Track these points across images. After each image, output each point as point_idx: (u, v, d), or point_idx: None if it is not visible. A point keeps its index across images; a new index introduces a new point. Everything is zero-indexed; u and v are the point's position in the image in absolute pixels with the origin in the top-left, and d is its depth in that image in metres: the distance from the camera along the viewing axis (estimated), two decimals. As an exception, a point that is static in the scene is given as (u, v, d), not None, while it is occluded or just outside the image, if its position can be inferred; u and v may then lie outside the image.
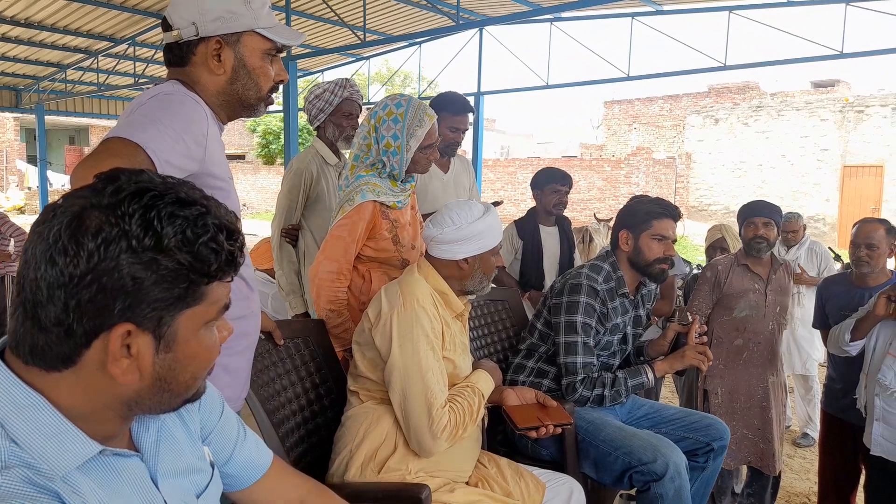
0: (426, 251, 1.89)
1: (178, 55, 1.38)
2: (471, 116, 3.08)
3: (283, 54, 1.55)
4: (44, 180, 16.26)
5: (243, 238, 0.78)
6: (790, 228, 4.41)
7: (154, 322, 0.71)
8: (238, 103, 1.43)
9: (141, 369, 0.73)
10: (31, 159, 22.66)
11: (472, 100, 11.89)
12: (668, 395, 4.65)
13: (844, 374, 2.72)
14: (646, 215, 2.23)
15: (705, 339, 2.22)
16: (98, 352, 0.71)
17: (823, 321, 2.98)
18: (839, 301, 2.87)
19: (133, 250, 0.68)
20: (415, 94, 14.53)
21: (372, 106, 2.17)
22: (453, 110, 2.99)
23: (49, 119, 17.93)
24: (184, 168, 1.25)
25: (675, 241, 2.27)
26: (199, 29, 1.34)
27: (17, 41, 11.68)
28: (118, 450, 0.78)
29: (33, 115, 16.68)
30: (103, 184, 0.72)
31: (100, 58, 12.74)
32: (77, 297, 0.68)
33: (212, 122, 1.36)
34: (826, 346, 2.85)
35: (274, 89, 1.46)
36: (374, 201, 2.06)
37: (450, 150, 3.09)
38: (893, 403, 2.24)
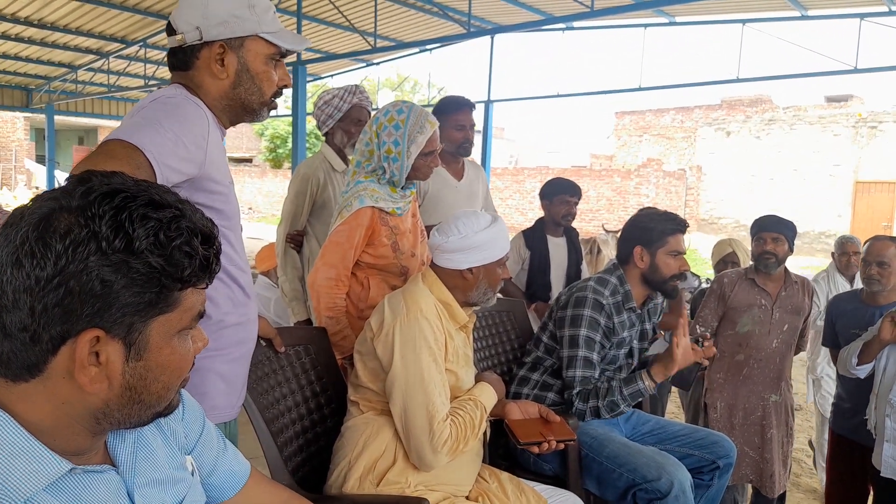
0: (432, 260, 1.87)
1: (182, 59, 1.38)
2: (473, 113, 3.05)
3: (288, 59, 1.54)
4: (52, 180, 16.41)
5: (219, 244, 0.76)
6: (854, 250, 3.69)
7: (124, 328, 0.69)
8: (241, 108, 1.42)
9: (110, 378, 0.70)
10: (40, 159, 22.87)
11: (481, 108, 11.95)
12: (675, 411, 4.60)
13: (854, 394, 2.67)
14: (661, 233, 2.20)
15: (713, 350, 2.16)
16: (65, 359, 0.68)
17: (833, 339, 2.93)
18: (849, 319, 2.83)
19: (102, 252, 0.66)
20: (424, 101, 14.58)
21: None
22: (452, 109, 2.97)
23: (58, 119, 18.10)
24: (183, 171, 1.24)
25: (685, 253, 2.24)
26: (203, 33, 1.33)
27: (30, 41, 11.80)
28: (91, 466, 0.75)
29: (43, 115, 16.84)
30: (74, 185, 0.70)
31: (111, 59, 12.85)
32: (43, 301, 0.65)
33: (213, 126, 1.35)
34: (836, 366, 2.80)
35: (277, 94, 1.46)
36: (373, 207, 2.04)
37: (463, 150, 3.05)
38: None
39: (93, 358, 0.68)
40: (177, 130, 1.22)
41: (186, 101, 1.31)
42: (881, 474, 2.27)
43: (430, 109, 2.30)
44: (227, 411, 1.46)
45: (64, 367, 0.68)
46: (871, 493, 2.59)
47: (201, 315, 0.77)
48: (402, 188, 2.13)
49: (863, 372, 2.43)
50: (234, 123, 1.46)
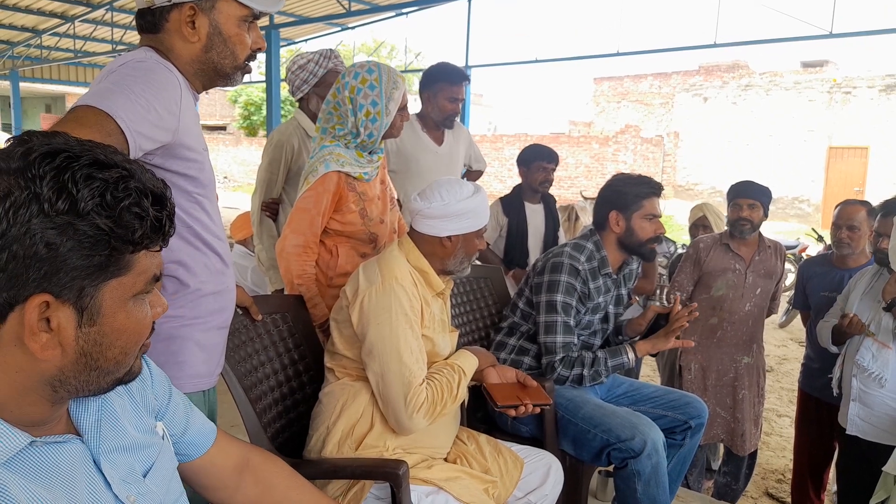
0: (410, 226, 1.86)
1: (151, 21, 1.33)
2: (467, 86, 3.06)
3: (260, 23, 1.49)
4: (20, 149, 15.96)
5: (172, 205, 0.74)
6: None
7: (74, 293, 0.68)
8: (213, 72, 1.37)
9: (63, 344, 0.69)
10: (6, 127, 22.23)
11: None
12: (650, 374, 4.70)
13: (822, 354, 2.74)
14: (636, 197, 2.21)
15: (695, 308, 2.17)
16: (14, 326, 0.67)
17: (804, 302, 3.00)
18: (820, 282, 2.89)
19: (45, 214, 0.64)
20: (401, 66, 14.36)
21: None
22: (450, 80, 2.96)
23: (24, 86, 17.58)
24: (156, 138, 1.21)
25: (661, 216, 2.27)
26: None
27: (-9, 4, 11.33)
28: (52, 437, 0.74)
29: (7, 82, 16.32)
30: (14, 147, 0.68)
31: (76, 23, 12.42)
32: None
33: (185, 91, 1.31)
34: (805, 327, 2.87)
35: (251, 58, 1.41)
36: (339, 172, 2.01)
37: (447, 122, 3.06)
38: (870, 384, 2.27)
39: (43, 324, 0.67)
40: (148, 96, 1.18)
41: (157, 66, 1.27)
42: (846, 432, 2.34)
43: (408, 75, 2.29)
44: (205, 380, 1.45)
45: (14, 334, 0.67)
46: (837, 449, 2.68)
47: (157, 278, 0.76)
48: (369, 153, 2.10)
49: (839, 349, 2.51)
50: (206, 88, 1.42)
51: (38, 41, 13.82)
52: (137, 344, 0.77)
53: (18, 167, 0.65)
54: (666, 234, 2.34)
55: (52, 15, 12.20)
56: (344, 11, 9.85)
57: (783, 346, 6.16)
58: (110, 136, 1.10)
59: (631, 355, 2.18)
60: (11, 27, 13.12)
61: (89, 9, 11.63)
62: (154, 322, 0.78)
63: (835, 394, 2.45)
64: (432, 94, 3.01)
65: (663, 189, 2.31)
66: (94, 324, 0.70)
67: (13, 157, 0.66)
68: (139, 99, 1.16)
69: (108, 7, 11.43)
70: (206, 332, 1.43)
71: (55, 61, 15.03)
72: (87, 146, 0.70)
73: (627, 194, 2.23)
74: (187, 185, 1.33)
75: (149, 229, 0.70)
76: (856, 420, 2.32)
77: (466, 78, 3.03)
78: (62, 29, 12.89)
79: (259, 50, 1.43)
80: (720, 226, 3.51)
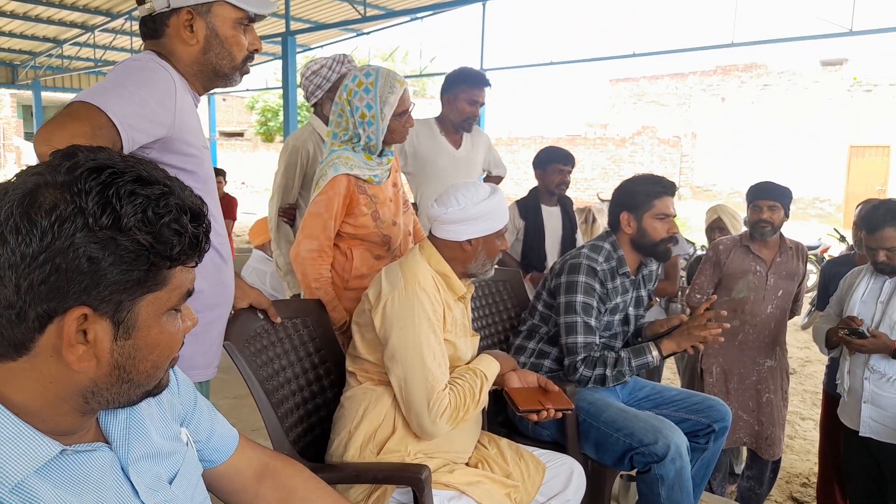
0: (430, 231, 1.86)
1: (152, 28, 1.41)
2: (488, 90, 3.07)
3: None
4: (43, 157, 16.25)
5: (209, 222, 0.76)
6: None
7: (112, 306, 0.68)
8: (213, 73, 1.45)
9: (98, 356, 0.70)
10: (29, 136, 22.62)
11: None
12: (671, 377, 4.65)
13: (846, 356, 2.70)
14: (646, 196, 2.19)
15: (719, 315, 2.12)
16: (52, 337, 0.67)
17: (827, 302, 2.96)
18: (843, 282, 2.84)
19: (89, 229, 0.65)
20: (415, 71, 14.39)
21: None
22: (471, 83, 2.99)
23: (46, 95, 17.88)
24: (150, 132, 1.27)
25: (675, 216, 2.24)
26: (171, 0, 1.36)
27: (13, 16, 11.56)
28: (82, 445, 0.75)
29: (30, 92, 16.61)
30: (59, 160, 0.69)
31: (96, 33, 12.62)
32: (29, 278, 0.64)
33: (181, 88, 1.37)
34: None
35: (249, 59, 1.48)
36: (348, 175, 2.02)
37: (466, 125, 3.08)
38: (884, 386, 2.24)
39: (80, 336, 0.68)
40: (141, 92, 1.25)
41: (150, 63, 1.34)
42: (860, 434, 2.31)
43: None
44: (200, 371, 1.50)
45: (51, 345, 0.68)
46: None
47: (190, 293, 0.76)
48: (378, 155, 2.10)
49: (833, 353, 2.48)
50: (207, 89, 1.49)
51: (60, 51, 14.06)
52: (168, 357, 0.77)
53: (65, 181, 0.66)
54: (678, 231, 2.30)
55: (73, 25, 12.41)
56: (359, 17, 9.90)
57: (806, 347, 6.07)
58: (101, 129, 1.16)
59: (655, 354, 2.13)
60: (34, 38, 13.36)
61: (108, 18, 11.81)
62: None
63: (845, 398, 2.41)
64: (452, 97, 3.03)
65: (676, 188, 2.28)
66: (130, 337, 0.71)
67: (59, 170, 0.67)
68: (132, 95, 1.23)
69: (126, 17, 11.60)
70: (201, 325, 1.46)
71: (76, 71, 15.27)
72: (130, 162, 0.71)
73: (638, 194, 2.21)
74: (186, 180, 1.36)
75: (186, 245, 0.71)
76: (869, 422, 2.29)
77: (487, 83, 3.05)
78: (82, 39, 13.10)
79: (256, 51, 1.50)
80: (737, 227, 3.46)
